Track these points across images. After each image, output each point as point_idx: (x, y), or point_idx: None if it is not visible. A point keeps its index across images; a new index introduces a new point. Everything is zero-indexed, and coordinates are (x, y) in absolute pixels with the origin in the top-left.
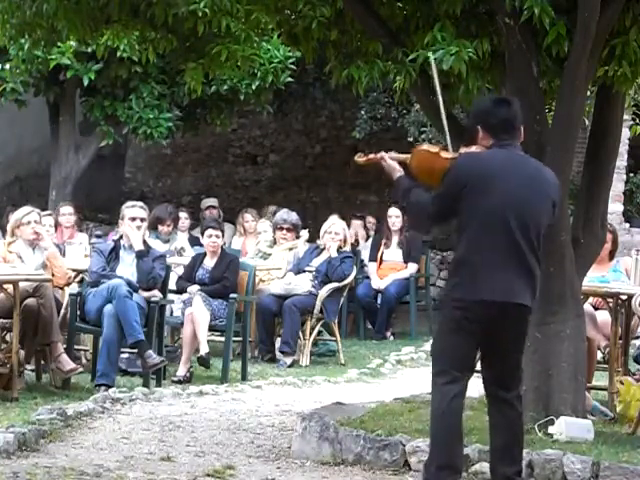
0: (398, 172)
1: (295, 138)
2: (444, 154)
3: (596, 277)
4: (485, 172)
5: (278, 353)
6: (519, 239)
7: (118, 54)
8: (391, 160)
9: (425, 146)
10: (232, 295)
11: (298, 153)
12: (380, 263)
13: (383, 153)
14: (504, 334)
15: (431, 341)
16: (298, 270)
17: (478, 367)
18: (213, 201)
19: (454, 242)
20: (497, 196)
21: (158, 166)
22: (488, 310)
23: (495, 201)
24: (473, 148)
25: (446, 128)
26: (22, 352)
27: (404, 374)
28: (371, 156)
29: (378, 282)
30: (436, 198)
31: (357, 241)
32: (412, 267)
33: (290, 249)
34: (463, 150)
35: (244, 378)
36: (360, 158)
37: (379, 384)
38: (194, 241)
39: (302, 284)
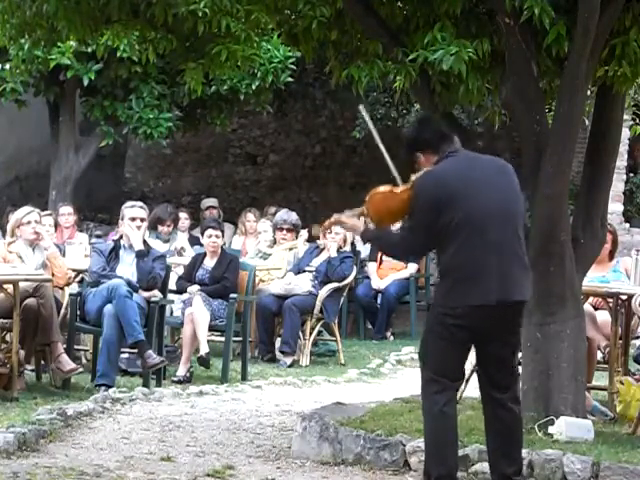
0: (360, 226)
1: (295, 138)
2: (397, 189)
3: (596, 277)
4: (450, 180)
5: (278, 353)
6: (508, 234)
7: (118, 54)
8: (347, 217)
9: (377, 189)
10: (232, 295)
11: (298, 153)
12: (380, 263)
13: (336, 215)
14: (500, 335)
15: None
16: (298, 270)
17: None
18: (213, 201)
19: (437, 254)
20: (471, 198)
21: (158, 166)
22: (487, 312)
23: (472, 202)
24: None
25: (390, 163)
26: (22, 352)
27: (404, 374)
28: (326, 223)
29: (378, 282)
30: (413, 230)
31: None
32: (412, 267)
33: (290, 249)
34: (414, 177)
35: (244, 378)
36: (318, 230)
37: (379, 384)
38: (194, 241)
39: (302, 284)
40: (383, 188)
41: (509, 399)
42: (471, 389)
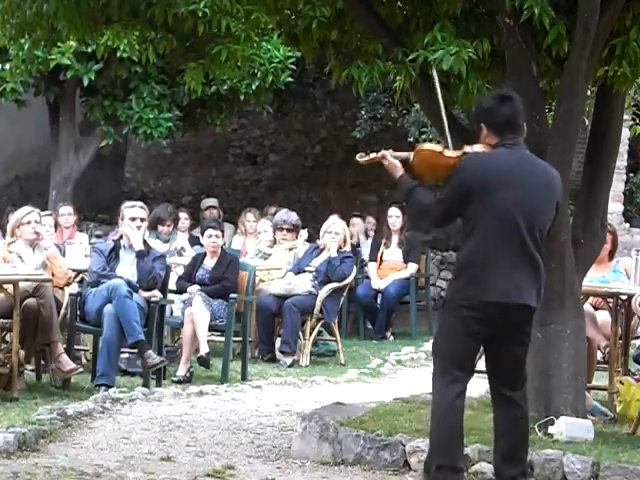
0: (400, 171)
1: (295, 138)
2: (448, 152)
3: (596, 277)
4: (493, 173)
5: (278, 353)
6: (527, 239)
7: (118, 54)
8: (393, 158)
9: (428, 145)
10: (232, 295)
11: (298, 153)
12: (380, 263)
13: (385, 151)
14: (511, 335)
15: (431, 341)
16: (298, 270)
17: (482, 367)
18: (213, 201)
19: (459, 243)
20: (506, 196)
21: (158, 166)
22: (497, 311)
23: (504, 201)
24: (477, 146)
25: (447, 128)
26: (22, 352)
27: (404, 374)
28: (373, 155)
29: (378, 282)
30: (441, 202)
31: (358, 240)
32: (412, 267)
33: (290, 249)
34: (467, 148)
35: (244, 378)
36: (362, 158)
37: (379, 384)
38: (194, 241)
39: (302, 284)
40: (435, 145)
41: (520, 397)
42: (471, 389)
